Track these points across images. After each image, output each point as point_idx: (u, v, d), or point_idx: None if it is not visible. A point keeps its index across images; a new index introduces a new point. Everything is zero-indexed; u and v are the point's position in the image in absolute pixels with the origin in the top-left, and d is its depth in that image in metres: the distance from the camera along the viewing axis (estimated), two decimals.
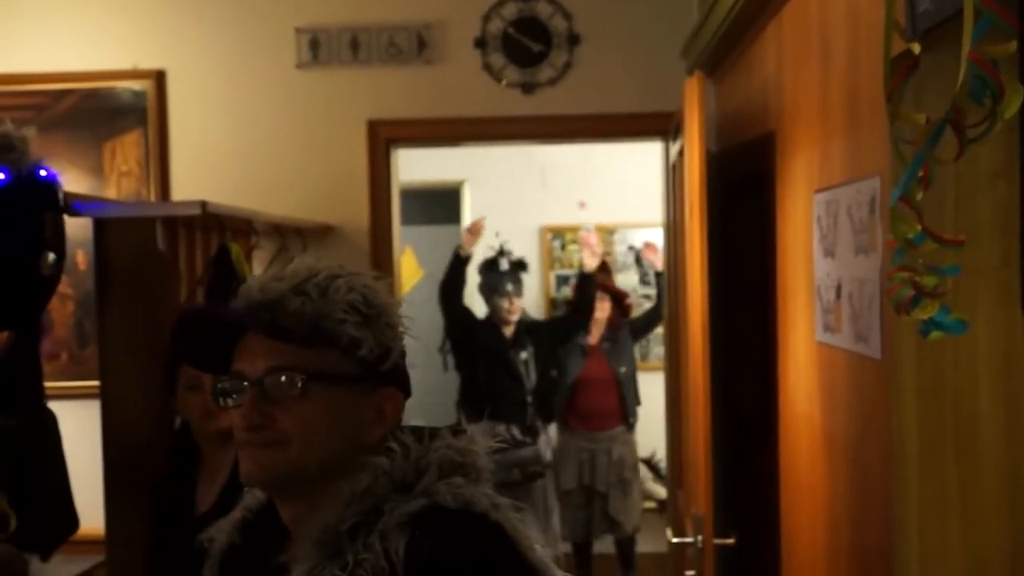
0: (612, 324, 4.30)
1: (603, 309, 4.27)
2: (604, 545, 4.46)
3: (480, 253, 4.59)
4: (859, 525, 1.53)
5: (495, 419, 3.75)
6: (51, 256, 1.81)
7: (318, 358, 1.00)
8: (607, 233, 5.61)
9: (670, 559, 3.32)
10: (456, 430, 1.05)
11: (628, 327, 4.39)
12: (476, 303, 4.51)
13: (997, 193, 1.22)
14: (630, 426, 4.31)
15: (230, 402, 1.02)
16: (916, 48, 0.97)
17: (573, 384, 4.24)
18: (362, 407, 1.03)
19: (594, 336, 4.28)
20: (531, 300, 4.54)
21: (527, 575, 0.96)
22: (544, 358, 4.05)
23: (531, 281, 5.16)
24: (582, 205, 5.51)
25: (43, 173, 1.82)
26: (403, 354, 1.07)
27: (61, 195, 1.87)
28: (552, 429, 4.16)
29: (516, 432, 3.82)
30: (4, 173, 1.75)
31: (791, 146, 1.97)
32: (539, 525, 4.24)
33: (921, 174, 0.98)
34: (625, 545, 4.33)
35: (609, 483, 4.20)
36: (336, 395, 1.01)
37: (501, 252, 4.20)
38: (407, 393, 1.08)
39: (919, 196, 0.98)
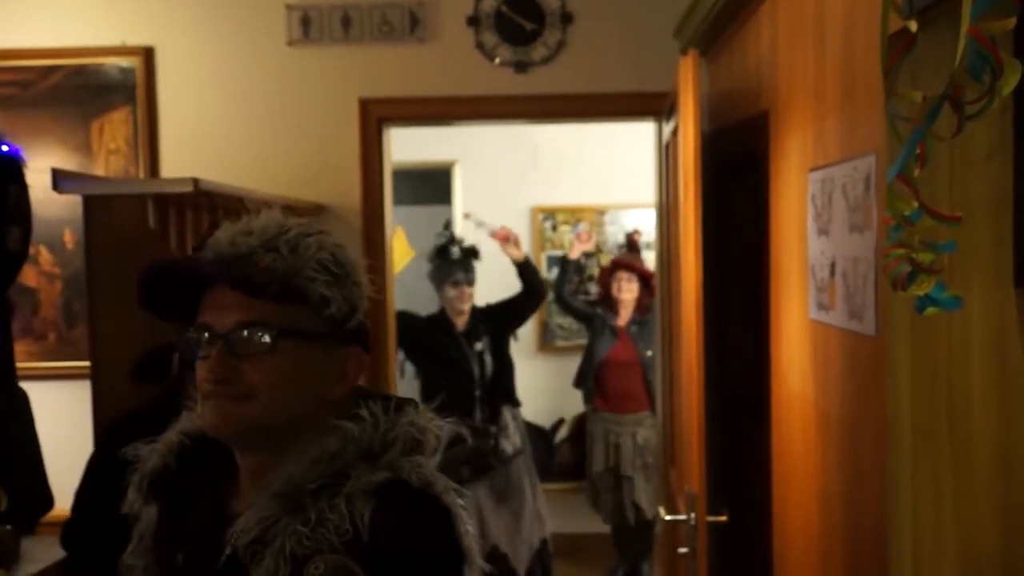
0: (640, 306, 4.25)
1: (630, 290, 4.24)
2: (597, 525, 4.47)
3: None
4: (852, 502, 1.54)
5: (443, 415, 3.66)
6: (16, 231, 1.79)
7: (287, 314, 1.02)
8: (597, 214, 5.61)
9: (660, 537, 3.35)
10: (418, 406, 1.10)
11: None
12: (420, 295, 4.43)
13: (991, 172, 1.22)
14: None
15: (198, 353, 1.03)
16: (913, 26, 0.97)
17: (599, 365, 4.24)
18: (327, 364, 1.05)
19: (623, 318, 4.26)
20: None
21: (460, 558, 1.02)
22: (499, 341, 3.96)
23: None
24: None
25: (4, 148, 1.80)
26: (366, 313, 1.10)
27: (25, 169, 1.85)
28: (516, 412, 4.10)
29: (464, 429, 3.72)
30: None
31: (785, 125, 1.97)
32: (511, 505, 4.16)
33: (918, 151, 0.98)
34: (648, 529, 4.32)
35: (635, 467, 4.20)
36: (303, 352, 1.03)
37: (452, 240, 4.11)
38: (367, 351, 1.10)
39: (916, 173, 0.98)
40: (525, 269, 4.00)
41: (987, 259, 1.21)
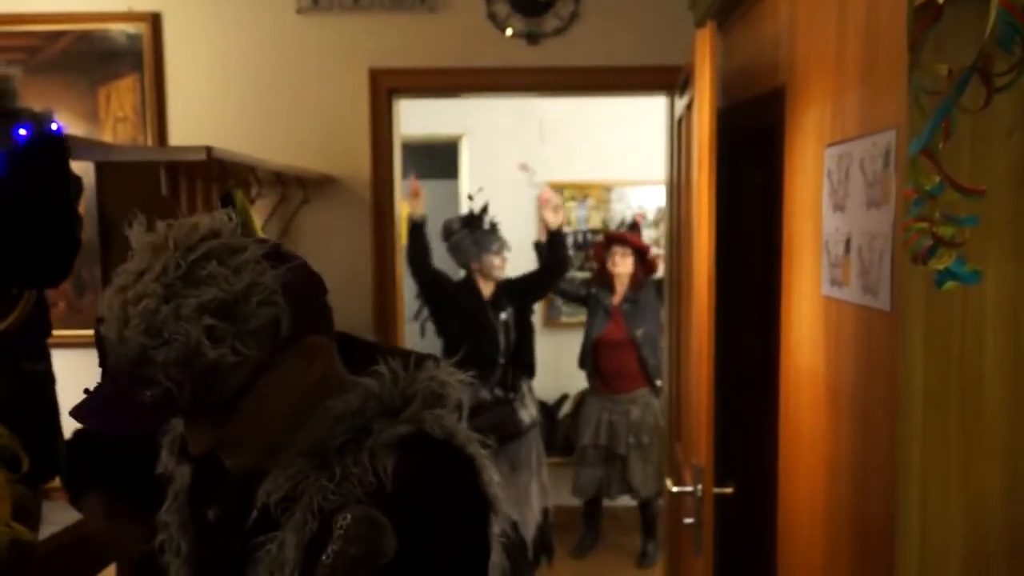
0: (635, 282, 4.20)
1: (625, 264, 4.19)
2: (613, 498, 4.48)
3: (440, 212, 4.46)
4: (860, 475, 1.55)
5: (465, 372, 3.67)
6: (80, 220, 1.79)
7: (223, 384, 0.97)
8: (604, 190, 5.60)
9: (667, 509, 3.37)
10: (438, 361, 1.11)
11: (654, 286, 4.25)
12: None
13: (1012, 148, 1.22)
14: (655, 388, 4.24)
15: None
16: None
17: (593, 346, 4.23)
18: (288, 371, 1.01)
19: (618, 294, 4.23)
20: (528, 256, 4.53)
21: (485, 507, 1.03)
22: (521, 313, 3.98)
23: (528, 237, 5.15)
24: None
25: (54, 127, 1.73)
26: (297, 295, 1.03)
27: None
28: (531, 384, 4.11)
29: (486, 394, 3.77)
30: (26, 128, 1.62)
31: (802, 100, 1.96)
32: (521, 476, 4.13)
33: (943, 125, 0.98)
34: (645, 509, 4.35)
35: (628, 445, 4.20)
36: (260, 388, 0.99)
37: (485, 209, 4.09)
38: (324, 327, 1.05)
39: (940, 147, 0.98)
40: (556, 238, 3.96)
41: (1004, 234, 1.22)
